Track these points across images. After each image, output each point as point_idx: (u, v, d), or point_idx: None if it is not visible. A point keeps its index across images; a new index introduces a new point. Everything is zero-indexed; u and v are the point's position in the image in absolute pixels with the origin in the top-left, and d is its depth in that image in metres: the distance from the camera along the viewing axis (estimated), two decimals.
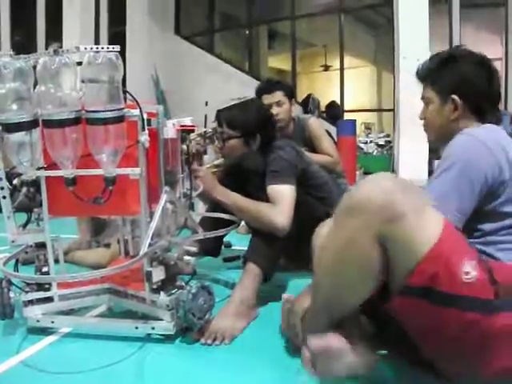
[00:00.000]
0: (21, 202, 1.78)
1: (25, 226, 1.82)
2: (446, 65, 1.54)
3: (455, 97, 1.48)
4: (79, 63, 1.61)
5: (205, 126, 2.22)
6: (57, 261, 1.90)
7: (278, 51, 12.38)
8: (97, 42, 9.38)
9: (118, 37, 10.03)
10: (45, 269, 1.87)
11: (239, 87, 9.14)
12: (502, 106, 9.04)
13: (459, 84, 1.50)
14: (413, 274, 1.15)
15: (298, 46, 10.88)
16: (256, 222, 2.04)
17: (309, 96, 9.09)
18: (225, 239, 2.73)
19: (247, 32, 11.61)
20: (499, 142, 1.36)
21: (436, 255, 1.15)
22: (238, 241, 3.00)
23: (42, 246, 1.84)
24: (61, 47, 1.65)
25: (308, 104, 8.81)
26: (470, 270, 1.15)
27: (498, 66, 9.43)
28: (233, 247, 3.01)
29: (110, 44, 1.65)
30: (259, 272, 1.98)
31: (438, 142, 1.56)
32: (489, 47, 9.64)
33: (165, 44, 11.20)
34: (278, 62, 12.17)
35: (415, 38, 6.63)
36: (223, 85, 9.74)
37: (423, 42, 6.59)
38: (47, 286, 1.87)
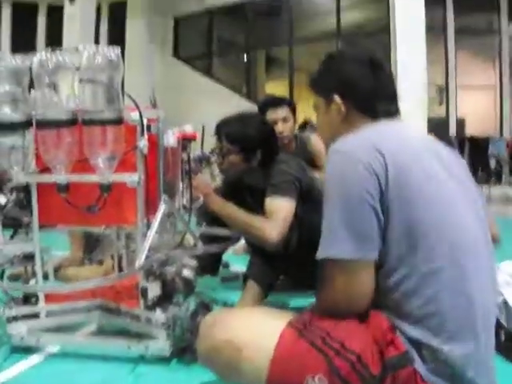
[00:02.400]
0: (9, 210, 1.67)
1: (13, 235, 1.70)
2: (325, 66, 1.43)
3: (336, 96, 1.34)
4: (78, 68, 1.53)
5: (202, 140, 2.15)
6: (46, 276, 1.78)
7: (276, 76, 12.43)
8: None
9: None
10: (32, 282, 1.74)
11: (236, 111, 9.14)
12: (496, 132, 9.16)
13: (337, 82, 1.36)
14: None
15: (295, 71, 10.91)
16: (248, 235, 2.00)
17: (306, 121, 9.09)
18: (222, 259, 2.63)
19: (245, 57, 11.67)
20: (378, 147, 1.16)
21: (275, 379, 1.14)
22: (236, 261, 2.88)
23: (30, 257, 1.72)
24: None
25: (305, 129, 8.80)
26: None
27: (492, 93, 9.55)
28: (231, 267, 2.89)
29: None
30: (260, 290, 1.94)
31: None
32: (483, 74, 9.81)
33: (163, 66, 11.24)
34: (276, 87, 12.19)
35: (412, 64, 6.66)
36: (221, 108, 9.69)
37: (420, 68, 6.61)
38: (34, 301, 1.74)
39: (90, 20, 8.58)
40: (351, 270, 1.12)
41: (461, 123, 9.47)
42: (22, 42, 10.57)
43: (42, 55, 1.52)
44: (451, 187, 1.20)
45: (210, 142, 2.37)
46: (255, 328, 1.22)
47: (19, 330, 1.69)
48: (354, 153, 1.17)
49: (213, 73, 11.42)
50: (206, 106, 10.02)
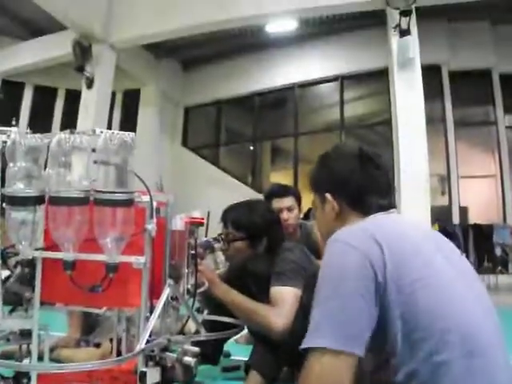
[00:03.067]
0: (11, 285, 1.65)
1: (12, 310, 1.67)
2: (318, 166, 1.48)
3: (327, 195, 1.38)
4: (94, 150, 1.59)
5: (207, 226, 2.20)
6: (41, 357, 1.73)
7: (280, 167, 12.67)
8: None
9: None
10: (26, 361, 1.69)
11: (241, 200, 9.26)
12: (499, 219, 9.16)
13: (328, 181, 1.41)
14: None
15: (300, 162, 11.13)
16: (253, 323, 1.96)
17: (310, 209, 9.16)
18: (224, 348, 2.56)
19: (251, 147, 11.96)
20: (375, 237, 1.17)
21: None
22: (238, 351, 2.81)
23: (27, 334, 1.68)
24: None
25: (309, 217, 8.86)
26: None
27: (493, 182, 9.67)
28: (232, 357, 2.81)
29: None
30: (262, 381, 1.86)
31: None
32: (483, 164, 10.01)
33: (172, 154, 11.52)
34: (281, 177, 12.37)
35: (414, 155, 6.79)
36: (226, 197, 9.79)
37: (422, 158, 6.74)
38: (25, 382, 1.67)
39: (105, 105, 8.90)
40: (330, 361, 1.07)
41: (464, 211, 9.49)
42: (40, 121, 10.97)
43: (60, 136, 1.57)
44: (454, 277, 1.18)
45: (215, 228, 2.40)
46: None
47: None
48: (351, 242, 1.17)
49: (219, 162, 11.67)
50: (211, 193, 10.16)
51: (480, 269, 7.58)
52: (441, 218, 8.01)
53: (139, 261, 1.60)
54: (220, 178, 11.08)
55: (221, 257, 3.43)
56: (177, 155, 11.66)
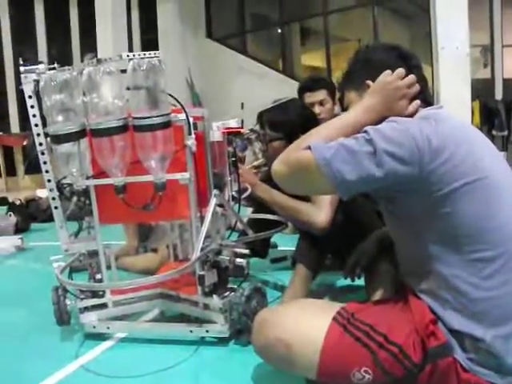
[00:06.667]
0: (72, 212, 1.81)
1: (76, 234, 1.85)
2: (353, 61, 1.43)
3: (368, 82, 1.33)
4: (123, 71, 1.62)
5: (242, 121, 2.23)
6: (109, 267, 1.93)
7: (311, 48, 12.25)
8: (130, 49, 9.45)
9: (150, 43, 10.18)
10: (98, 276, 1.90)
11: (274, 86, 9.10)
12: None
13: (367, 69, 1.36)
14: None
15: (332, 41, 10.70)
16: (296, 220, 2.04)
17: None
18: (271, 241, 2.72)
19: (279, 31, 11.56)
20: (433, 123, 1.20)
21: (324, 372, 1.24)
22: (284, 241, 2.98)
23: (93, 253, 1.87)
24: (96, 56, 1.67)
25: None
26: (361, 376, 1.19)
27: None
28: (279, 248, 2.99)
29: (142, 51, 1.65)
30: (309, 273, 2.00)
31: None
32: None
33: (197, 48, 11.27)
34: (312, 59, 12.05)
35: (454, 27, 6.39)
36: (258, 85, 9.71)
37: (463, 30, 6.34)
38: (101, 293, 1.90)
39: (122, 9, 8.67)
40: (315, 173, 1.18)
41: (508, 85, 8.94)
42: (57, 31, 10.85)
43: (89, 69, 1.62)
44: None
45: (250, 120, 2.43)
46: (303, 325, 1.30)
47: (91, 319, 1.86)
48: (418, 123, 1.19)
49: (247, 50, 11.38)
50: (243, 83, 10.05)
51: None
52: (482, 93, 7.60)
53: (184, 177, 1.70)
54: (249, 66, 10.86)
55: (258, 146, 3.49)
56: (202, 47, 11.39)
